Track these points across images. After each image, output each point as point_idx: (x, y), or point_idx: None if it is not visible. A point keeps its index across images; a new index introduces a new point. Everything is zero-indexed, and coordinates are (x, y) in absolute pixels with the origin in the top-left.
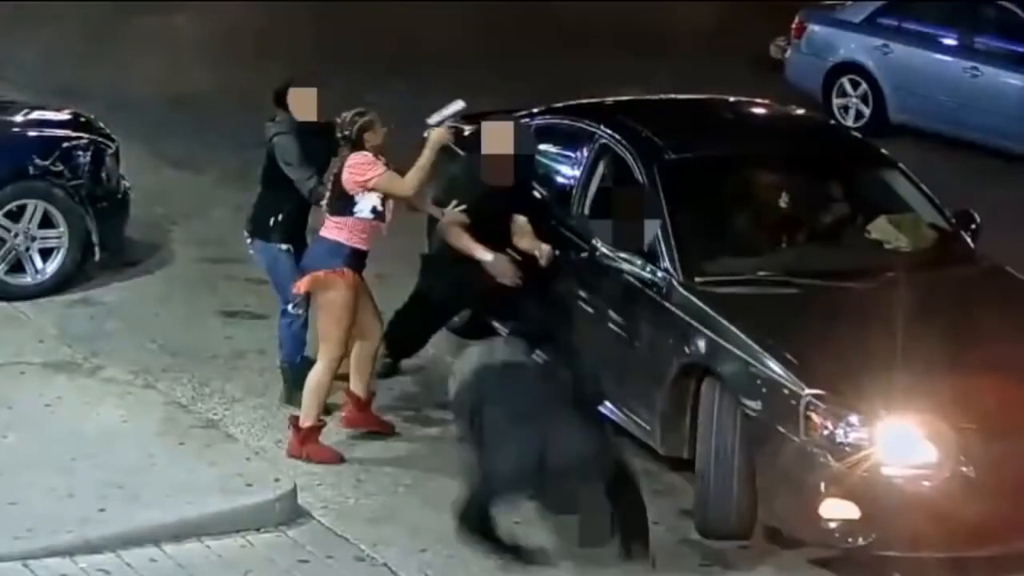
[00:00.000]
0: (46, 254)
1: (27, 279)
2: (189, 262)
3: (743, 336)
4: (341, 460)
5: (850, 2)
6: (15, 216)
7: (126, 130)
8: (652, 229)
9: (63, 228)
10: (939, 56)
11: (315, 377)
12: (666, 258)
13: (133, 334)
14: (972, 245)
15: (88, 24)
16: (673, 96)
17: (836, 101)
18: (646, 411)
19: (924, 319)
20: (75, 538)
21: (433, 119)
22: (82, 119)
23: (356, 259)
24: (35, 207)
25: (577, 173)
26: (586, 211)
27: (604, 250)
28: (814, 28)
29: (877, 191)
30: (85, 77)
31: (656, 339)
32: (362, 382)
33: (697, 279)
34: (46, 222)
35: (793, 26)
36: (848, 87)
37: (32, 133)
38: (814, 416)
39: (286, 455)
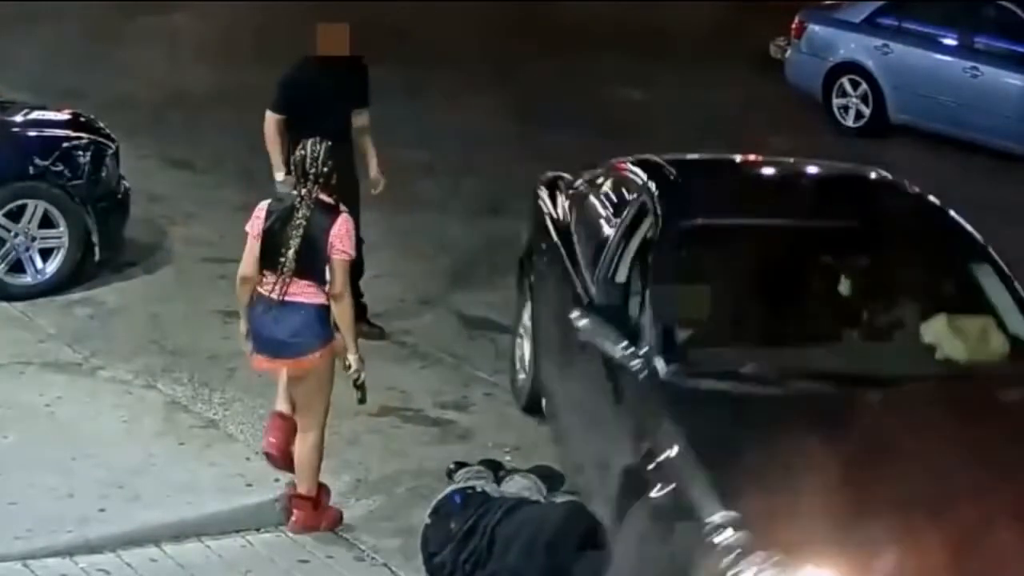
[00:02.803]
0: (46, 254)
1: (27, 279)
2: (189, 262)
3: (683, 444)
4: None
5: (850, 2)
6: (15, 216)
7: (126, 130)
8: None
9: (63, 228)
10: (939, 56)
11: (309, 449)
12: (649, 336)
13: (133, 334)
14: None
15: (88, 24)
16: (735, 157)
17: (836, 101)
18: (602, 503)
19: (933, 452)
20: (75, 538)
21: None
22: (82, 119)
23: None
24: (35, 207)
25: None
26: (609, 275)
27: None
28: (814, 28)
29: (952, 281)
30: (85, 77)
31: (615, 430)
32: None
33: (676, 367)
34: (46, 222)
35: (793, 26)
36: (848, 87)
37: (32, 133)
38: (727, 557)
39: (298, 531)
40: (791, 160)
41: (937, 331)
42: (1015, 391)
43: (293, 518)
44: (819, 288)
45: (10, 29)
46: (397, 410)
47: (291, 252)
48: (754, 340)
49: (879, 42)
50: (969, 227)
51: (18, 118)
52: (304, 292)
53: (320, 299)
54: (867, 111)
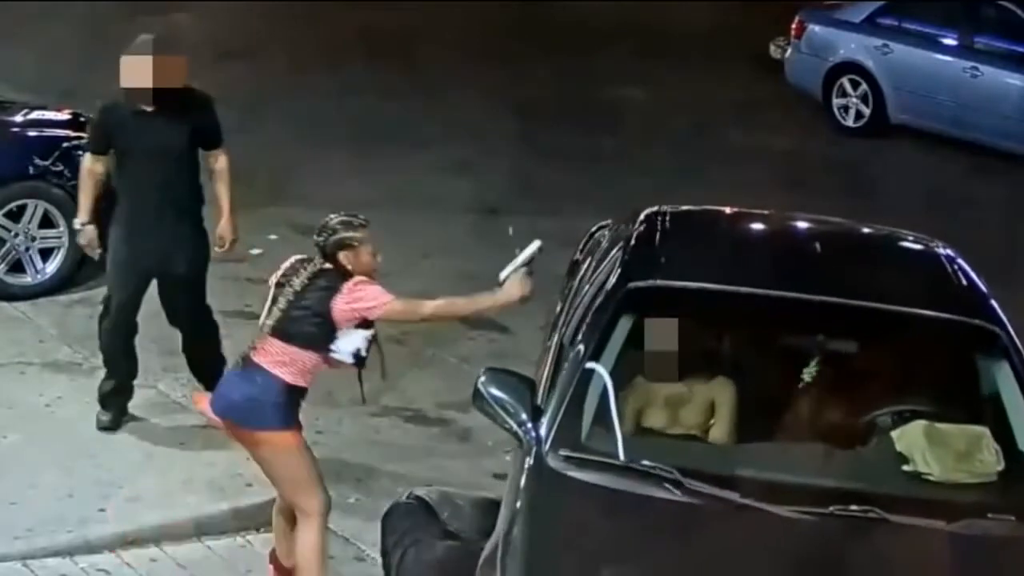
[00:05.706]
0: (46, 254)
1: (27, 279)
2: None
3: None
4: None
5: (850, 2)
6: (15, 216)
7: None
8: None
9: (63, 228)
10: (939, 56)
11: (310, 543)
12: (549, 412)
13: None
14: None
15: (88, 24)
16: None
17: (836, 101)
18: None
19: None
20: (75, 538)
21: (505, 272)
22: (82, 119)
23: (299, 404)
24: (35, 207)
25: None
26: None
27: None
28: (814, 28)
29: (957, 383)
30: (85, 77)
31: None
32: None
33: (563, 451)
34: (46, 222)
35: (793, 26)
36: (848, 87)
37: (32, 133)
38: None
39: None
40: (795, 216)
41: (911, 439)
42: (1000, 529)
43: None
44: (783, 371)
45: (10, 29)
46: (397, 410)
47: (276, 309)
48: (655, 427)
49: (879, 42)
50: (997, 310)
51: (18, 118)
52: (270, 357)
53: (283, 373)
54: (867, 111)
